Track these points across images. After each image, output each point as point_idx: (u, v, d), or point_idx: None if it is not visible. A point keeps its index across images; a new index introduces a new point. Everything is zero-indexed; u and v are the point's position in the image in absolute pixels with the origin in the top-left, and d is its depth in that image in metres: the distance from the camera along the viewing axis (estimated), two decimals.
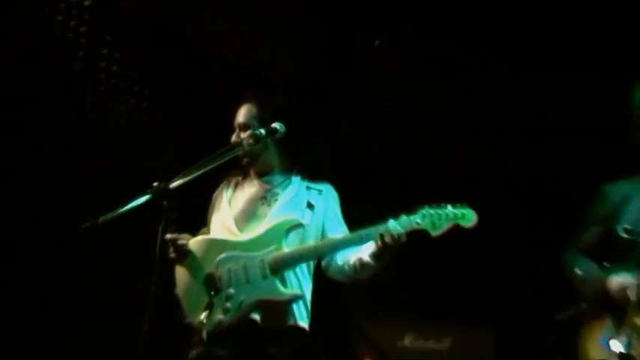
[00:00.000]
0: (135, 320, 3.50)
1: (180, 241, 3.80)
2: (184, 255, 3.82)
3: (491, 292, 6.19)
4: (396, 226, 3.60)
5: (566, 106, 6.18)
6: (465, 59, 6.24)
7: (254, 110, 3.95)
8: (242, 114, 3.96)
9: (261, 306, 3.69)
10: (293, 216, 3.82)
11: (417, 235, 3.65)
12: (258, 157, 3.95)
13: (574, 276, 3.78)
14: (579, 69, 5.78)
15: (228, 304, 3.67)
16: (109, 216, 3.56)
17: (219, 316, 3.66)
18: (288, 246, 3.77)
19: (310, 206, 3.90)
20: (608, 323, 3.54)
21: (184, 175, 3.61)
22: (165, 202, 3.54)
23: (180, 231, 3.87)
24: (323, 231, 3.92)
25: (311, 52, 6.25)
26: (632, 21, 5.76)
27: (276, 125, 3.85)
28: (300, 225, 3.80)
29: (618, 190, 3.79)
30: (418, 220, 3.62)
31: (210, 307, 3.67)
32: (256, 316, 3.68)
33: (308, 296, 3.87)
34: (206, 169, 3.69)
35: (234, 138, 3.94)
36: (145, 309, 3.44)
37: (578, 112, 5.81)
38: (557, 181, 5.84)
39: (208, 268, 3.77)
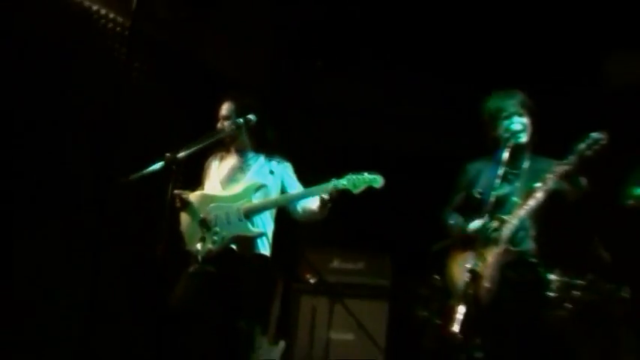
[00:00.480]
0: (152, 246, 3.61)
1: (184, 195, 3.95)
2: (186, 205, 3.95)
3: (391, 231, 6.25)
4: (329, 187, 3.77)
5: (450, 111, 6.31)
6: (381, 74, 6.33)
7: (233, 106, 4.06)
8: (224, 108, 4.08)
9: (237, 240, 3.87)
10: (260, 180, 3.97)
11: (344, 193, 3.77)
12: (236, 139, 4.06)
13: (448, 225, 3.88)
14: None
15: (215, 238, 3.82)
16: (137, 175, 3.70)
17: (209, 245, 3.82)
18: (257, 199, 3.91)
19: (271, 172, 4.02)
20: (466, 253, 3.66)
21: (187, 149, 3.72)
22: (174, 167, 3.64)
23: (184, 189, 3.97)
24: (283, 189, 4.04)
25: (272, 65, 6.27)
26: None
27: (250, 116, 3.98)
28: (264, 186, 3.96)
29: (475, 167, 3.85)
30: (344, 182, 3.76)
31: (203, 239, 3.83)
32: (234, 246, 3.87)
33: (270, 233, 4.01)
34: (202, 145, 3.83)
35: (219, 125, 4.05)
36: (160, 239, 3.54)
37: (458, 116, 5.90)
38: (442, 159, 5.85)
39: (202, 214, 3.89)
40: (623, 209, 4.42)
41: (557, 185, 3.46)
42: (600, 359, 4.71)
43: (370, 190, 3.77)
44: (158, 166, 3.67)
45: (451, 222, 3.84)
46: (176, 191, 3.86)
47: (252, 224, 3.87)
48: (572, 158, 3.42)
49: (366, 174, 3.78)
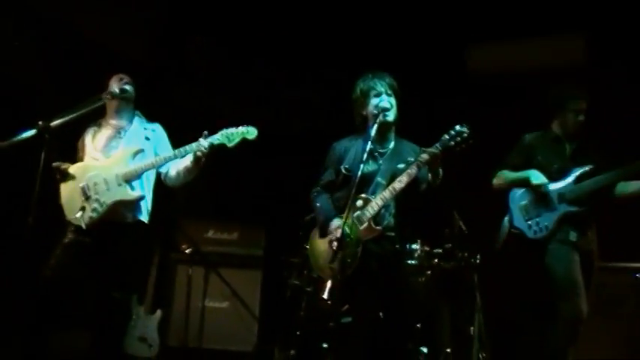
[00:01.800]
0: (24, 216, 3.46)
1: (63, 167, 3.86)
2: (66, 176, 3.86)
3: (264, 203, 6.30)
4: (203, 142, 3.76)
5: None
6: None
7: (118, 79, 4.01)
8: (113, 80, 4.03)
9: (118, 205, 3.80)
10: (137, 145, 3.94)
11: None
12: (115, 106, 4.01)
13: (314, 206, 3.88)
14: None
15: (96, 205, 3.76)
16: (6, 143, 3.56)
17: (90, 214, 3.76)
18: (134, 164, 3.87)
19: (147, 139, 4.00)
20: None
21: (61, 117, 3.62)
22: (47, 136, 3.53)
23: (60, 158, 3.87)
24: (157, 154, 4.01)
25: (154, 39, 6.10)
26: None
27: (126, 87, 3.97)
28: (141, 151, 3.93)
29: (342, 144, 3.89)
30: (218, 137, 3.77)
31: (82, 209, 3.75)
32: (114, 213, 3.80)
33: (149, 200, 3.98)
34: (77, 114, 3.72)
35: (104, 95, 3.94)
36: (30, 210, 3.42)
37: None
38: (313, 136, 5.88)
39: (81, 183, 3.81)
40: (478, 188, 4.77)
41: (420, 172, 3.59)
42: (457, 318, 5.02)
43: (245, 142, 3.78)
44: (29, 134, 3.55)
45: (317, 204, 3.85)
46: (55, 164, 3.79)
47: (132, 188, 3.83)
48: (436, 147, 3.53)
49: (240, 127, 3.80)
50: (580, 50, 5.91)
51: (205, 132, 3.77)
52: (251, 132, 3.79)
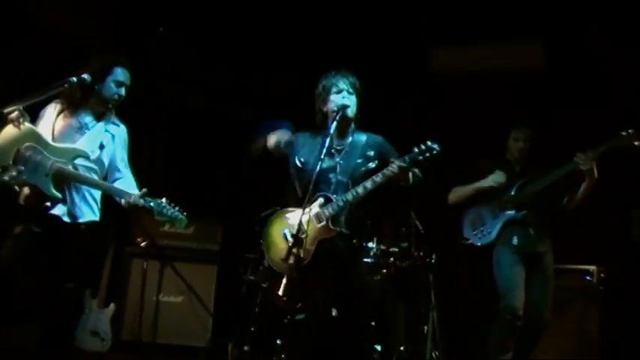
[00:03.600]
0: None
1: (21, 113, 3.66)
2: (21, 117, 3.66)
3: (221, 197, 6.31)
4: (137, 200, 3.67)
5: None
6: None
7: (118, 82, 3.84)
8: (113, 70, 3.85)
9: (31, 188, 3.64)
10: (86, 149, 3.76)
11: None
12: (75, 97, 3.82)
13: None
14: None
15: (14, 174, 3.58)
16: None
17: (5, 177, 3.60)
18: (74, 166, 3.72)
19: (102, 147, 3.83)
20: (286, 223, 3.74)
21: (14, 105, 3.55)
22: None
23: None
24: (110, 164, 3.89)
25: (114, 27, 6.00)
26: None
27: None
28: (86, 157, 3.75)
29: (298, 139, 3.91)
30: (152, 204, 3.67)
31: (4, 168, 3.60)
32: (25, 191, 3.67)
33: (98, 198, 3.85)
34: (30, 101, 3.60)
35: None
36: None
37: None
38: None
39: (20, 146, 3.65)
40: (435, 188, 4.84)
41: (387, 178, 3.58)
42: (411, 317, 5.09)
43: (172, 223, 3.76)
44: None
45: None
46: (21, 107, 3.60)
47: (55, 186, 3.63)
48: (404, 160, 3.53)
49: (176, 209, 3.73)
50: (538, 55, 6.05)
51: (144, 190, 3.71)
52: (182, 222, 3.75)
